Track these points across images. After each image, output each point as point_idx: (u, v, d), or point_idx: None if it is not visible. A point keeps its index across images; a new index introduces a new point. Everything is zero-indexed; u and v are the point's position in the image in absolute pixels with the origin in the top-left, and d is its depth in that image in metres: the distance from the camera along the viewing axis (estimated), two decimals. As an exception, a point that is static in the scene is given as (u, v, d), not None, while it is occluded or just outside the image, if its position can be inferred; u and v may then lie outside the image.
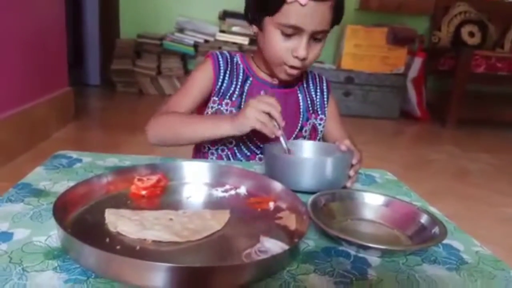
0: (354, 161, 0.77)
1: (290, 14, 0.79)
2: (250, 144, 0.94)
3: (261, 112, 0.76)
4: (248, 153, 0.95)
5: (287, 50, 0.84)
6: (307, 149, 0.85)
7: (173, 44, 3.46)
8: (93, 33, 3.61)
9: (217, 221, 0.57)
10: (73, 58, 3.26)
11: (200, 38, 3.49)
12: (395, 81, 3.46)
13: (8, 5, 1.75)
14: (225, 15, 3.47)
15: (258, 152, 0.95)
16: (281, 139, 0.78)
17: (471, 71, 3.25)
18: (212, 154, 0.96)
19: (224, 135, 0.83)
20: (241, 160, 0.95)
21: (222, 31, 3.50)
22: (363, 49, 3.43)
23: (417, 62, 3.47)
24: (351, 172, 0.76)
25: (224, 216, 0.59)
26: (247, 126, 0.77)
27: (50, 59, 2.25)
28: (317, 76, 1.05)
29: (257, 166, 0.85)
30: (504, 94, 3.71)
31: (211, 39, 3.50)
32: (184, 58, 3.55)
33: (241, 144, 0.94)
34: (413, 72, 3.49)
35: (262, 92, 0.81)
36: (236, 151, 0.95)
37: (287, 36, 0.82)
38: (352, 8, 3.70)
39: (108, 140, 2.35)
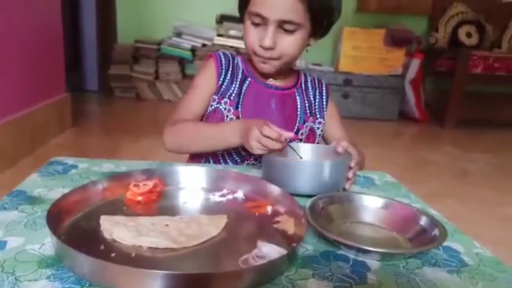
0: (352, 164, 0.76)
1: (256, 2, 0.83)
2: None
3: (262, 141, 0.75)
4: (244, 153, 0.94)
5: (256, 40, 0.86)
6: (304, 151, 0.84)
7: (170, 48, 3.45)
8: (91, 38, 3.62)
9: (214, 226, 0.56)
10: (71, 64, 3.25)
11: (197, 42, 3.48)
12: (393, 83, 3.45)
13: (4, 11, 1.75)
14: (222, 18, 3.47)
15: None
16: (291, 149, 0.80)
17: (469, 71, 3.24)
18: (207, 154, 0.97)
19: (231, 147, 0.88)
20: (236, 161, 0.95)
21: (219, 35, 3.50)
22: (361, 51, 3.43)
23: (415, 63, 3.46)
24: (350, 174, 0.75)
25: (221, 221, 0.58)
26: (252, 151, 0.77)
27: (48, 66, 2.25)
28: (316, 80, 1.05)
29: (254, 170, 0.84)
30: (502, 94, 3.70)
31: (208, 43, 3.50)
32: (181, 62, 3.54)
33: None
34: (411, 73, 3.48)
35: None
36: (232, 151, 0.95)
37: (256, 25, 0.85)
38: (350, 10, 3.70)
39: (106, 145, 2.34)
